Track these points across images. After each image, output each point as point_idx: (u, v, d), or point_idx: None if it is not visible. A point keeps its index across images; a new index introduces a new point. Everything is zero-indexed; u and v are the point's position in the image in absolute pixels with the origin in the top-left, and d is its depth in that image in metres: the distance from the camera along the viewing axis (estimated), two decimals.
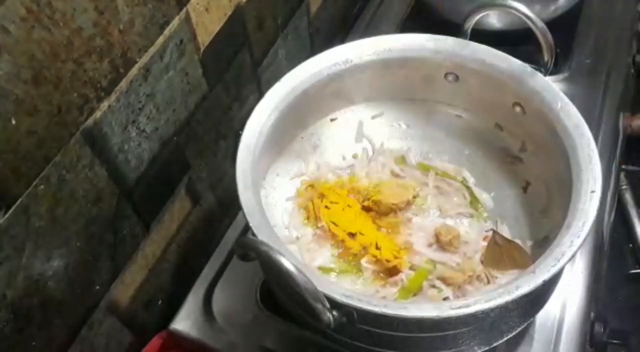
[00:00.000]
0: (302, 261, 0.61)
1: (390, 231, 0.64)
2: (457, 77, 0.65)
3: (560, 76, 0.83)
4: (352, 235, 0.64)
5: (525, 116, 0.61)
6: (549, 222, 0.60)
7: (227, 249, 0.71)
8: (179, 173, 0.65)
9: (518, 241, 0.62)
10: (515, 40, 0.72)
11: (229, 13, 0.63)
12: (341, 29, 0.97)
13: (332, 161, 0.70)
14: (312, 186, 0.67)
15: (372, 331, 0.50)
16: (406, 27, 0.95)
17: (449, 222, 0.65)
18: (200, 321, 0.65)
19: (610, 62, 0.86)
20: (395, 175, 0.69)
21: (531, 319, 0.59)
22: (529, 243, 0.62)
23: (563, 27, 0.88)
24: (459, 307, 0.45)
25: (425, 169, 0.69)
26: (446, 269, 0.61)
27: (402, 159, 0.70)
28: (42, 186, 0.45)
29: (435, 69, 0.65)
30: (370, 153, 0.71)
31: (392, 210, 0.65)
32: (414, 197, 0.66)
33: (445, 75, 0.65)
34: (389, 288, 0.60)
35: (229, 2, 0.63)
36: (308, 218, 0.66)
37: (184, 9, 0.55)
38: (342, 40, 0.94)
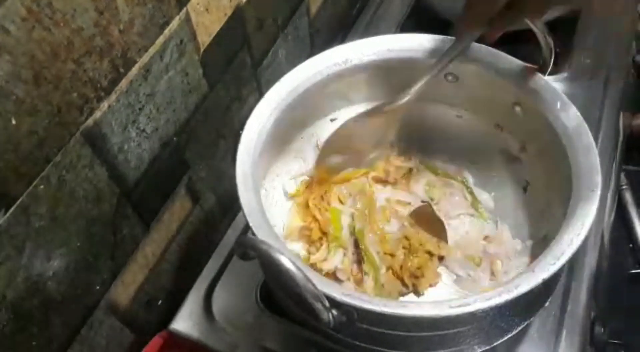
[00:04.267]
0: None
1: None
2: (457, 77, 0.65)
3: (560, 76, 0.83)
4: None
5: (525, 116, 0.61)
6: (549, 222, 0.60)
7: (227, 249, 0.71)
8: (179, 173, 0.65)
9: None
10: (515, 40, 0.72)
11: (229, 13, 0.63)
12: (341, 29, 0.97)
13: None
14: (311, 185, 0.67)
15: (372, 330, 0.50)
16: (406, 27, 0.95)
17: (450, 222, 0.65)
18: (200, 321, 0.65)
19: (610, 62, 0.86)
20: None
21: (531, 319, 0.59)
22: (529, 243, 0.62)
23: (563, 27, 0.88)
24: (459, 306, 0.45)
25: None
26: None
27: None
28: (42, 186, 0.45)
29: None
30: None
31: None
32: None
33: (445, 75, 0.65)
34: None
35: (229, 2, 0.63)
36: (308, 218, 0.66)
37: (184, 9, 0.55)
38: (342, 40, 0.94)
